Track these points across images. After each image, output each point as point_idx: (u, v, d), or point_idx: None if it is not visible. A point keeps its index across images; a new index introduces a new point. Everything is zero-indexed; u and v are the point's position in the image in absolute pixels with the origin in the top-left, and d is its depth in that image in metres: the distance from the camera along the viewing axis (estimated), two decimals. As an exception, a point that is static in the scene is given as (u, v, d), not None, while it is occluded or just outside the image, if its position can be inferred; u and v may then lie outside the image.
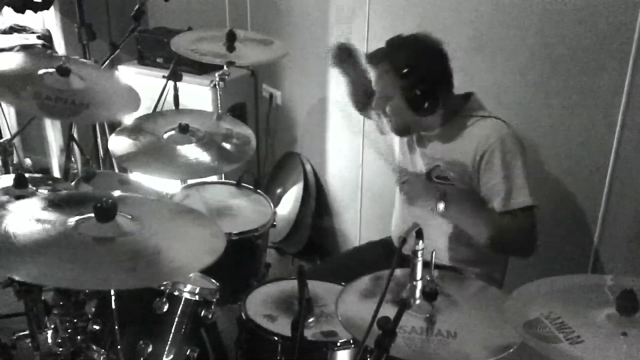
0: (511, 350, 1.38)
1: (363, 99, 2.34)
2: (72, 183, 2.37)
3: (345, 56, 2.27)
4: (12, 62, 2.26)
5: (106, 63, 2.90)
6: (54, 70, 2.15)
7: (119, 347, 1.75)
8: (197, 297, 1.86)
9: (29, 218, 1.53)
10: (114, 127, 2.42)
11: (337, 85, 3.19)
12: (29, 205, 1.65)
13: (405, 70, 1.89)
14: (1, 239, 1.42)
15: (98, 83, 2.29)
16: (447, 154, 1.99)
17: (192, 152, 2.25)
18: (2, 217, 1.51)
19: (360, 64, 2.28)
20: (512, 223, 1.87)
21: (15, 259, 1.40)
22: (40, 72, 2.16)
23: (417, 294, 1.49)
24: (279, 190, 3.67)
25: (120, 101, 2.31)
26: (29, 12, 3.32)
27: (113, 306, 1.70)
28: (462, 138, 1.97)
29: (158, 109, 2.88)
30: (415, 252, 1.46)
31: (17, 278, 1.59)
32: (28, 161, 3.86)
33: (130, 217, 1.57)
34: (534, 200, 1.88)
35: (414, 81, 1.90)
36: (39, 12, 3.38)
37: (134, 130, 2.31)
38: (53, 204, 1.62)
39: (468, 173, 1.95)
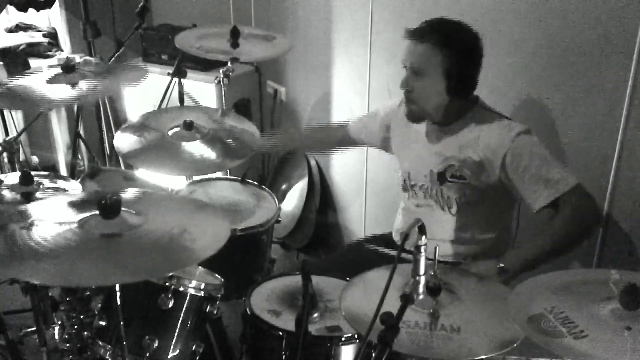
0: (515, 344, 1.38)
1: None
2: (78, 180, 2.38)
3: None
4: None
5: (111, 60, 2.91)
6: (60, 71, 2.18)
7: (124, 342, 1.75)
8: (202, 293, 1.87)
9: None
10: (120, 123, 2.43)
11: (341, 81, 3.19)
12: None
13: (456, 48, 1.91)
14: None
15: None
16: (461, 153, 1.99)
17: (197, 148, 2.25)
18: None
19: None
20: (568, 213, 1.83)
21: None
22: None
23: (421, 289, 1.50)
24: (283, 186, 3.67)
25: (124, 74, 2.31)
26: (32, 10, 3.34)
27: (119, 302, 1.71)
28: (475, 137, 1.97)
29: (163, 106, 2.88)
30: (418, 248, 1.46)
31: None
32: (34, 158, 3.88)
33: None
34: (575, 178, 1.85)
35: (461, 61, 1.92)
36: (42, 10, 3.40)
37: (139, 127, 2.32)
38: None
39: (485, 172, 1.95)
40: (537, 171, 1.87)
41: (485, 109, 2.02)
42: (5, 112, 3.44)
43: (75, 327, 1.96)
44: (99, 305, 1.93)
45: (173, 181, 2.58)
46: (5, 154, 2.54)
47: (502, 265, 1.81)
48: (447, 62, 1.92)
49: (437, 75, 1.94)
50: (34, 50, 3.89)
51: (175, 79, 2.84)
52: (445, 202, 2.05)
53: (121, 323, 1.73)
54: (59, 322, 2.10)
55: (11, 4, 3.34)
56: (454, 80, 1.94)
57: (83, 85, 2.17)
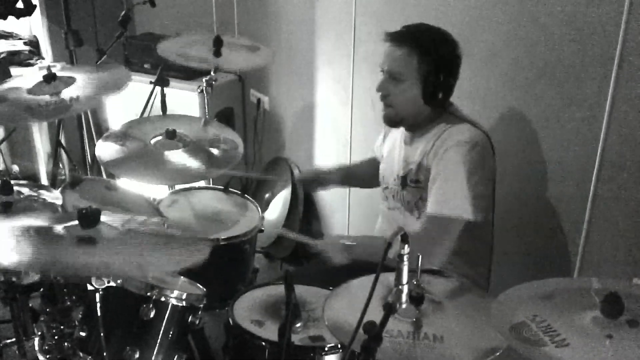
0: (497, 353, 1.39)
1: None
2: (59, 189, 2.36)
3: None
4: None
5: (93, 68, 2.89)
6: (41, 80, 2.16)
7: (105, 353, 1.73)
8: (184, 303, 1.85)
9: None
10: (102, 132, 2.41)
11: (325, 90, 3.20)
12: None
13: (433, 55, 1.92)
14: None
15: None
16: (420, 157, 2.01)
17: (180, 157, 2.24)
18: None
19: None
20: (425, 232, 1.90)
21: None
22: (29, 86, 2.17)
23: (404, 298, 1.50)
24: (266, 195, 3.65)
25: (106, 82, 2.29)
26: (12, 18, 3.30)
27: (99, 312, 1.69)
28: (434, 142, 1.98)
29: (145, 115, 2.87)
30: (400, 257, 1.46)
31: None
32: (15, 168, 3.84)
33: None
34: (473, 214, 1.88)
35: (438, 68, 1.93)
36: (22, 18, 3.36)
37: (121, 136, 2.30)
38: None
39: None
40: (444, 183, 1.90)
41: (456, 116, 2.03)
42: (-15, 121, 3.40)
43: (56, 338, 1.93)
44: (80, 315, 1.91)
45: (155, 190, 2.57)
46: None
47: (345, 242, 1.93)
48: (424, 68, 1.94)
49: (413, 81, 1.96)
50: (15, 58, 3.86)
51: (158, 88, 2.83)
52: (407, 206, 2.07)
53: (102, 334, 1.71)
54: (39, 333, 2.07)
55: (-10, 12, 3.31)
56: (430, 87, 1.95)
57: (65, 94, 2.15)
